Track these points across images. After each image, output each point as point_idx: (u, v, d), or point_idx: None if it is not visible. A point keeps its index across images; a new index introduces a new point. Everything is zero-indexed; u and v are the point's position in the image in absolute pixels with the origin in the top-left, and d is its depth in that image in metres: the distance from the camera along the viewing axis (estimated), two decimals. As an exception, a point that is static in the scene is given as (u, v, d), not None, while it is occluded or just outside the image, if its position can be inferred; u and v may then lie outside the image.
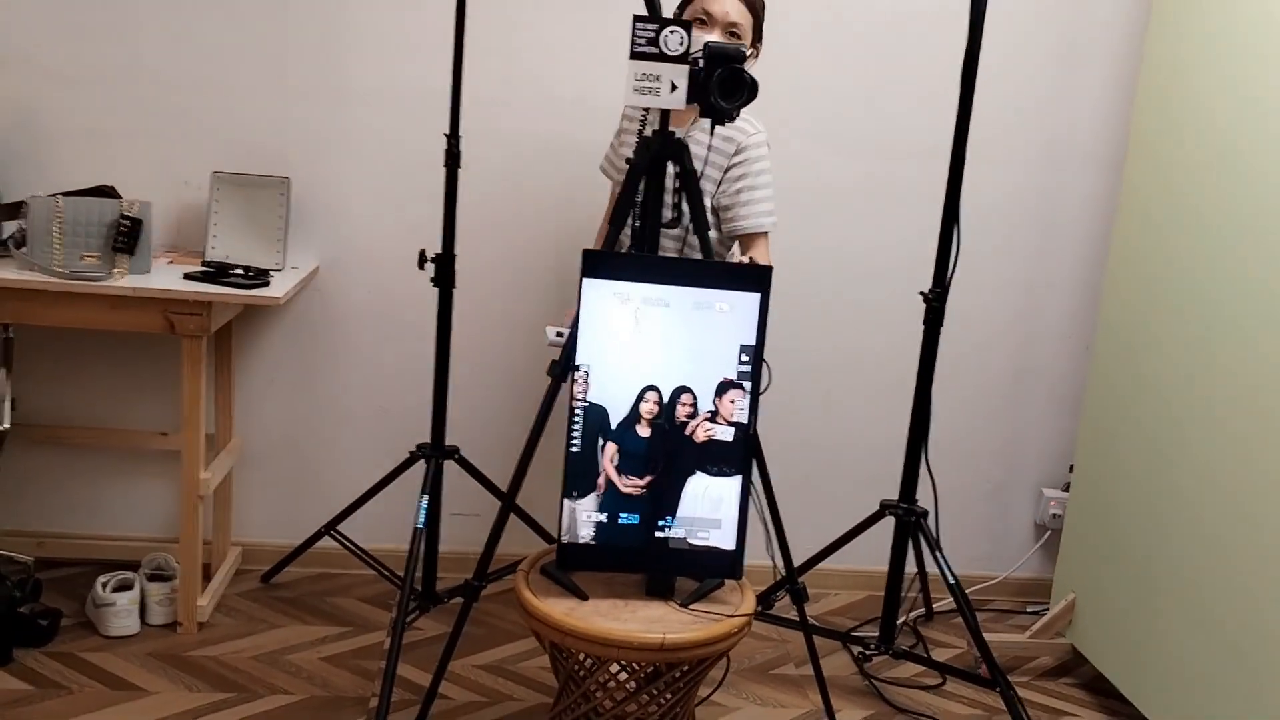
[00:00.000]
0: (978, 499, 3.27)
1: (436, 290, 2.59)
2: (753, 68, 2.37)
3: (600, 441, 2.03)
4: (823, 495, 3.14)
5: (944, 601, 3.01)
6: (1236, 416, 2.23)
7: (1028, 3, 2.98)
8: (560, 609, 2.00)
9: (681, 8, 2.39)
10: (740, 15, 2.32)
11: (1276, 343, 2.14)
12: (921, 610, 3.09)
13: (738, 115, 2.12)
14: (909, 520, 2.62)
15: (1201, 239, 2.40)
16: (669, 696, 2.08)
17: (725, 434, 2.03)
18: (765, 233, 2.41)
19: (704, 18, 2.32)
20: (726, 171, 2.38)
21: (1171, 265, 2.50)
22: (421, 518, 2.54)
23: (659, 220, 2.18)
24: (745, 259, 2.30)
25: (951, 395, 3.15)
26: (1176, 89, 2.54)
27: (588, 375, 2.01)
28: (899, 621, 2.95)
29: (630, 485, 2.04)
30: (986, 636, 2.89)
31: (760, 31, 2.39)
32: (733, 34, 2.32)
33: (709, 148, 2.35)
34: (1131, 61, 2.99)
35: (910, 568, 2.81)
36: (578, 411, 2.02)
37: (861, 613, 3.09)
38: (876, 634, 2.78)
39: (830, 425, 3.14)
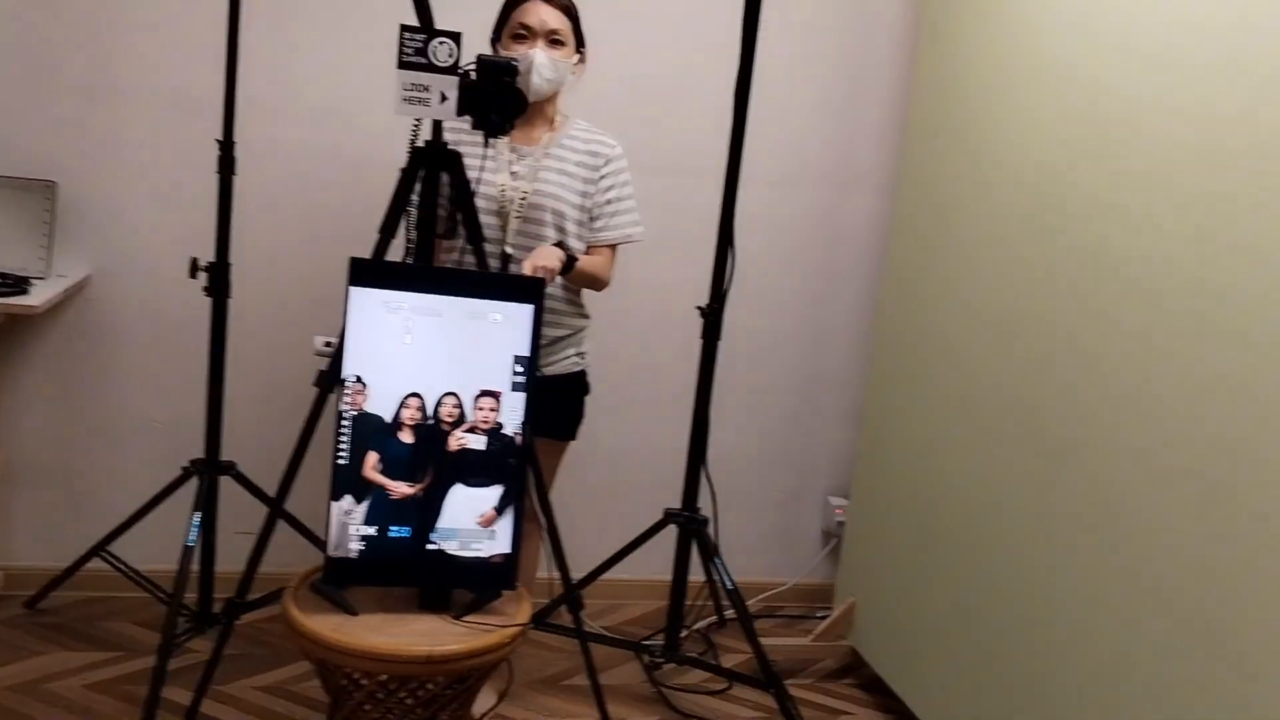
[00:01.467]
0: (768, 507, 3.37)
1: (210, 300, 2.51)
2: (582, 73, 2.42)
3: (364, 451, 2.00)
4: (616, 506, 3.17)
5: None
6: (1001, 423, 2.37)
7: (812, 40, 3.11)
8: (327, 625, 1.96)
9: (500, 25, 2.39)
10: (558, 22, 2.34)
11: (1037, 350, 2.28)
12: (714, 617, 3.15)
13: (511, 129, 2.14)
14: (690, 528, 2.67)
15: (966, 254, 2.55)
16: (448, 711, 2.06)
17: (478, 443, 2.04)
18: (616, 244, 2.47)
19: (523, 32, 2.33)
20: (598, 183, 2.42)
21: (940, 279, 2.65)
22: (193, 535, 2.45)
23: (434, 231, 2.17)
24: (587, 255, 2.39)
25: (742, 406, 3.24)
26: (942, 119, 2.69)
27: (358, 383, 1.98)
28: (689, 629, 3.02)
29: (399, 491, 2.02)
30: (774, 641, 2.99)
31: (581, 36, 2.42)
32: (555, 41, 2.34)
33: (576, 161, 2.40)
34: (904, 94, 3.15)
35: (701, 576, 2.87)
36: (345, 421, 1.99)
37: (656, 622, 3.13)
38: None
39: (623, 437, 3.19)
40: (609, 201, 2.44)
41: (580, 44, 2.41)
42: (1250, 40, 1.77)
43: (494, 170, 2.35)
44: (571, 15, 2.38)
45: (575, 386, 2.55)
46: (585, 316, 2.54)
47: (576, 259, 2.34)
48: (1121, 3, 2.09)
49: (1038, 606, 2.18)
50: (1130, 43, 2.05)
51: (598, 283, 2.47)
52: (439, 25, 2.04)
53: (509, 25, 2.36)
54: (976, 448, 2.43)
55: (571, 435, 2.57)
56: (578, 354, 2.53)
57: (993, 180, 2.45)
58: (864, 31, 3.16)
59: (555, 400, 2.47)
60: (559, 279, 2.36)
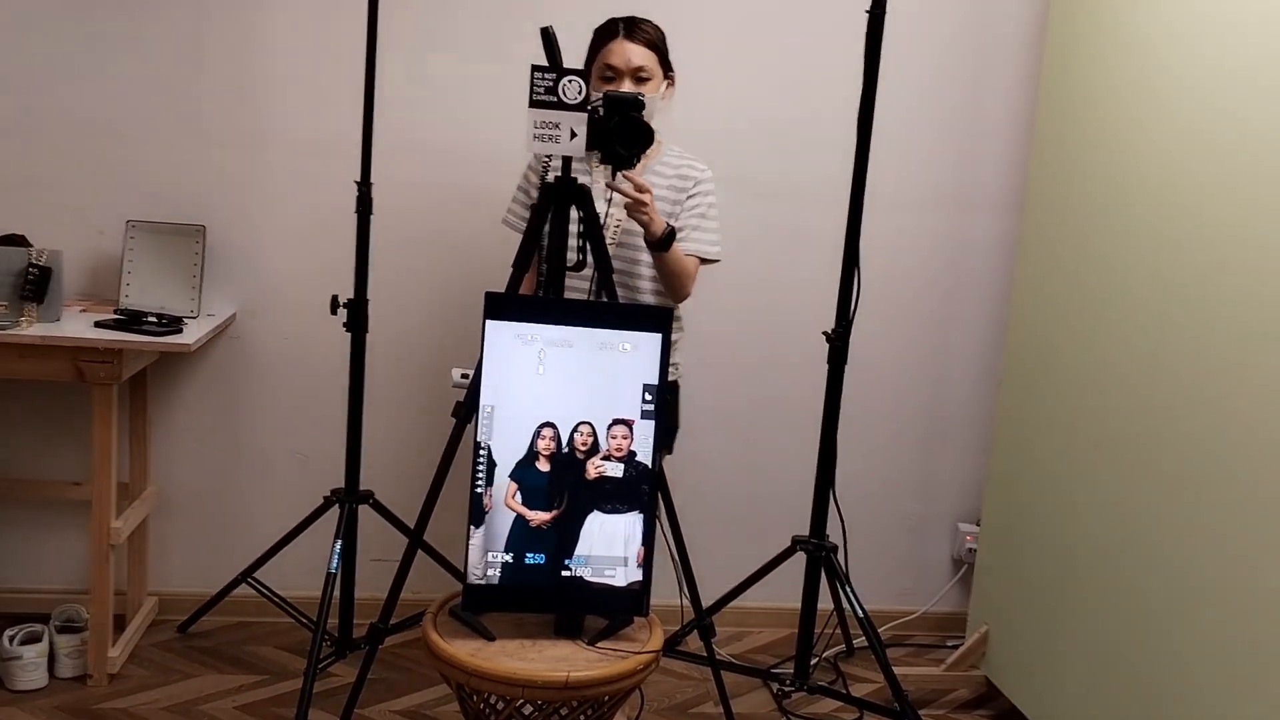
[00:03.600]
0: (896, 535, 3.33)
1: (349, 335, 2.61)
2: (671, 97, 2.45)
3: (503, 481, 2.05)
4: (744, 534, 3.17)
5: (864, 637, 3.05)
6: (1139, 449, 2.31)
7: (931, 58, 3.10)
8: (466, 650, 2.01)
9: (591, 56, 2.44)
10: (643, 58, 2.38)
11: (1175, 373, 2.22)
12: (842, 646, 3.12)
13: (638, 160, 2.18)
14: (819, 555, 2.66)
15: (1097, 278, 2.49)
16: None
17: (615, 470, 2.06)
18: (701, 260, 2.48)
19: (610, 74, 2.37)
20: (685, 203, 2.47)
21: (1071, 303, 2.59)
22: (334, 562, 2.54)
23: (564, 263, 2.22)
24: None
25: (868, 432, 3.21)
26: (1069, 137, 2.64)
27: (491, 416, 2.04)
28: (818, 657, 2.99)
29: (538, 519, 2.06)
30: (905, 670, 2.94)
31: (668, 62, 2.45)
32: (641, 78, 2.37)
33: (667, 185, 2.44)
34: (1029, 111, 3.10)
35: (828, 604, 2.85)
36: (482, 451, 2.04)
37: (784, 650, 3.12)
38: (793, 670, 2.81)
39: (749, 463, 3.19)
40: (695, 218, 2.47)
41: (667, 70, 2.45)
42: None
43: (617, 209, 2.39)
44: (656, 48, 2.42)
45: (671, 397, 2.57)
46: (680, 329, 2.56)
47: (677, 231, 2.37)
48: (1251, 21, 2.03)
49: (1177, 634, 2.10)
50: (1258, 63, 1.99)
51: (682, 282, 2.45)
52: (535, 59, 2.10)
53: (595, 67, 2.40)
54: (1111, 474, 2.36)
55: (669, 448, 2.58)
56: (674, 364, 2.56)
57: (1123, 200, 2.40)
58: (987, 50, 3.13)
59: None
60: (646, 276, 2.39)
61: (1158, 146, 2.30)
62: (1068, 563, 2.51)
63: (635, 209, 2.27)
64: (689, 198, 2.47)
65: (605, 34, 2.41)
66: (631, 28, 2.39)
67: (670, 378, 2.56)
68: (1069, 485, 2.53)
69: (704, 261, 2.49)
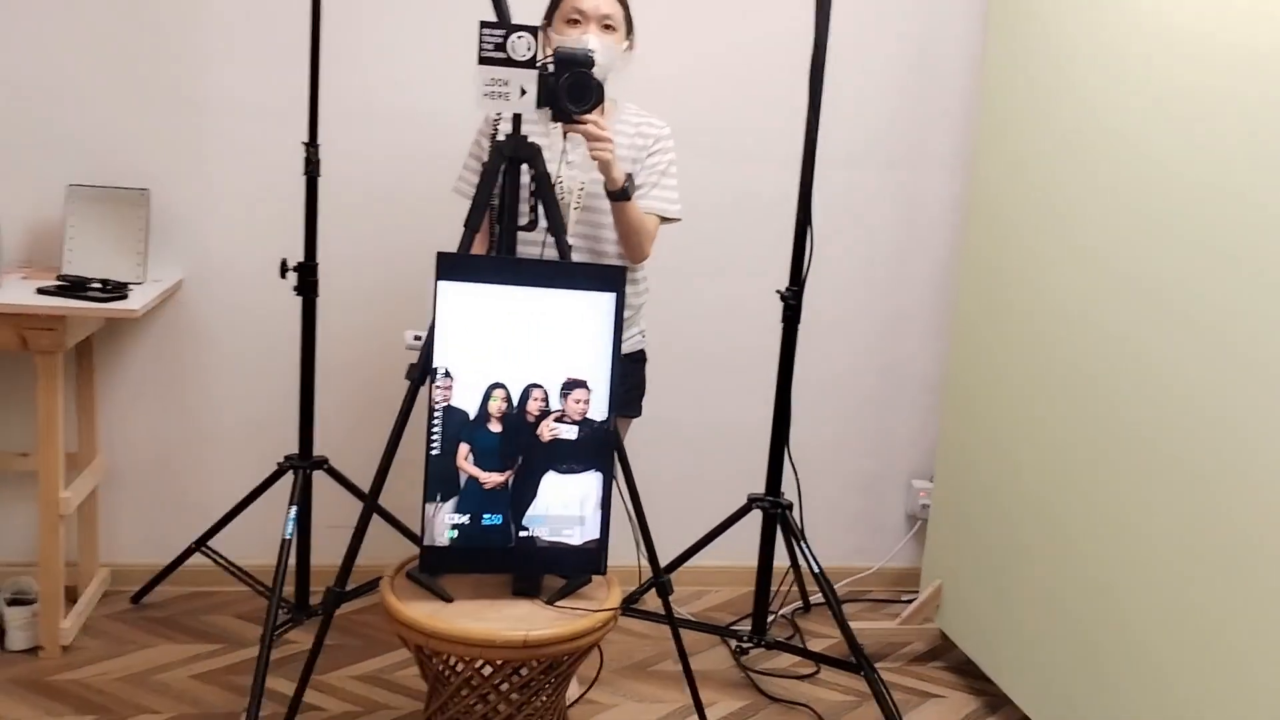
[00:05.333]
0: (851, 492, 3.36)
1: (299, 299, 2.58)
2: (630, 60, 2.41)
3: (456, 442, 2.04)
4: (700, 493, 3.19)
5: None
6: (1085, 405, 2.34)
7: (882, 22, 3.10)
8: (424, 612, 2.01)
9: (551, 8, 2.39)
10: (611, 7, 2.34)
11: (1120, 330, 2.25)
12: (799, 602, 3.16)
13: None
14: (774, 513, 2.68)
15: (1046, 233, 2.51)
16: (543, 696, 2.10)
17: (569, 433, 2.06)
18: (660, 219, 2.45)
19: (577, 16, 2.32)
20: (645, 161, 2.42)
21: (1019, 259, 2.61)
22: (289, 529, 2.52)
23: (515, 223, 2.21)
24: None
25: (822, 391, 3.24)
26: (1016, 95, 2.65)
27: (447, 377, 2.03)
28: (775, 614, 3.02)
29: (491, 480, 2.06)
30: (862, 625, 2.99)
31: (631, 24, 2.42)
32: (607, 26, 2.33)
33: (627, 144, 2.40)
34: (976, 70, 3.12)
35: (785, 561, 2.88)
36: (437, 414, 2.03)
37: (743, 607, 3.15)
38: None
39: (704, 423, 3.20)
40: (651, 174, 2.44)
41: (629, 30, 2.42)
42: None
43: (573, 168, 2.37)
44: (623, 3, 2.39)
45: (638, 363, 2.57)
46: (643, 292, 2.55)
47: (634, 186, 2.33)
48: (1206, -34, 2.04)
49: (1126, 584, 2.15)
50: (1207, 15, 2.01)
51: (640, 239, 2.40)
52: (484, 18, 2.06)
53: (561, 10, 2.35)
54: (1059, 428, 2.39)
55: (638, 411, 2.59)
56: (640, 332, 2.56)
57: (1071, 157, 2.42)
58: (935, 5, 3.13)
59: (622, 380, 2.49)
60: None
61: (1106, 99, 2.32)
62: (1018, 517, 2.55)
63: (598, 145, 2.20)
64: (649, 155, 2.44)
65: None
66: None
67: (637, 346, 2.55)
68: (1018, 441, 2.57)
69: (664, 221, 2.47)
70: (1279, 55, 1.86)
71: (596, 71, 2.27)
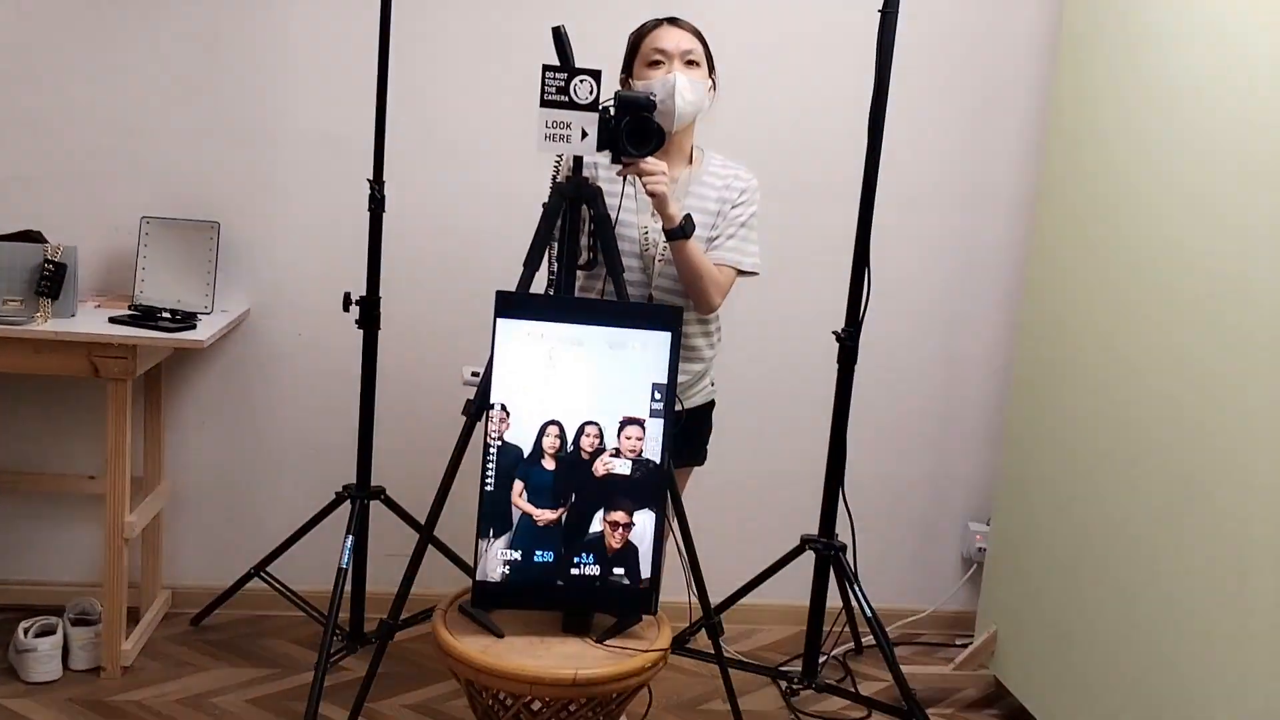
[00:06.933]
0: (906, 533, 3.33)
1: (361, 332, 2.63)
2: (714, 98, 2.40)
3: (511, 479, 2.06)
4: (753, 532, 3.17)
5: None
6: (1144, 454, 2.30)
7: (944, 58, 3.10)
8: (475, 647, 2.02)
9: (632, 51, 2.38)
10: (692, 43, 2.33)
11: (1183, 381, 2.22)
12: (851, 644, 3.13)
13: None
14: (828, 554, 2.66)
15: (1108, 281, 2.48)
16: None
17: (623, 468, 2.07)
18: (738, 271, 2.40)
19: (659, 57, 2.31)
20: (731, 211, 2.39)
21: (1081, 304, 2.58)
22: (346, 557, 2.55)
23: (575, 262, 2.23)
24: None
25: (878, 430, 3.21)
26: (1081, 136, 2.63)
27: (502, 413, 2.05)
28: (827, 655, 3.00)
29: (544, 518, 2.08)
30: (914, 669, 2.95)
31: (712, 59, 2.39)
32: (691, 63, 2.31)
33: (715, 198, 2.38)
34: (1041, 111, 3.09)
35: (837, 602, 2.86)
36: (491, 450, 2.05)
37: (793, 648, 3.12)
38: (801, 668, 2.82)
39: (759, 462, 3.19)
40: (730, 226, 2.40)
41: (712, 67, 2.40)
42: None
43: (635, 211, 2.36)
44: (701, 38, 2.37)
45: (708, 412, 2.57)
46: (716, 344, 2.54)
47: (693, 228, 2.27)
48: (1260, 21, 2.02)
49: (1186, 637, 2.10)
50: (1267, 64, 1.99)
51: (705, 287, 2.33)
52: (547, 57, 2.09)
53: (641, 54, 2.34)
54: (1121, 476, 2.35)
55: (704, 459, 2.59)
56: (711, 383, 2.55)
57: (1134, 201, 2.39)
58: (1000, 47, 3.12)
59: (692, 429, 2.50)
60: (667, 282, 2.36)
61: (1170, 147, 2.29)
62: (1076, 563, 2.51)
63: (653, 179, 2.17)
64: (732, 207, 2.40)
65: (647, 26, 2.37)
66: (675, 19, 2.36)
67: (709, 397, 2.55)
68: (1078, 486, 2.53)
69: (740, 274, 2.41)
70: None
71: (688, 110, 2.29)
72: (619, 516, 2.09)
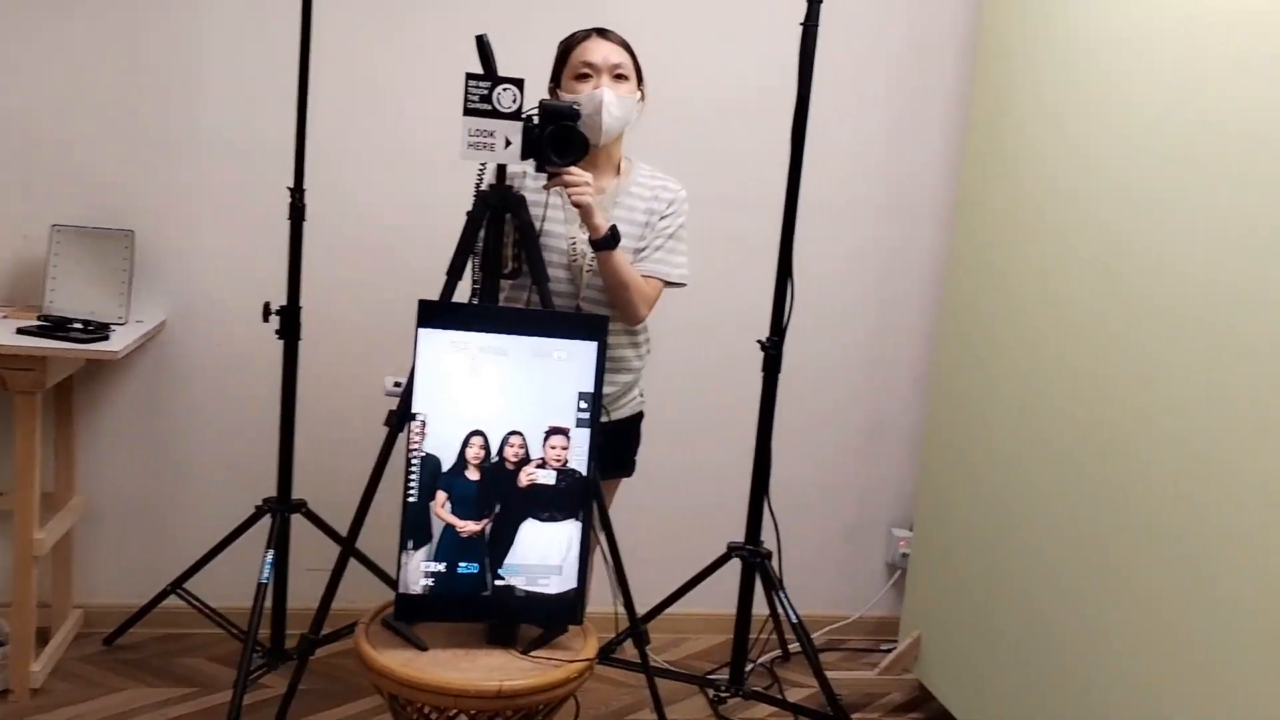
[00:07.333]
0: (831, 539, 3.36)
1: (282, 342, 2.58)
2: (642, 110, 2.39)
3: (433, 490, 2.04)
4: (679, 541, 3.18)
5: (798, 642, 3.08)
6: (1063, 454, 2.36)
7: (866, 69, 3.15)
8: (398, 660, 2.00)
9: (560, 62, 2.37)
10: (620, 56, 2.32)
11: (1099, 380, 2.27)
12: (779, 651, 3.14)
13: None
14: (753, 562, 2.68)
15: (1025, 286, 2.54)
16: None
17: (548, 478, 2.06)
18: (665, 282, 2.40)
19: (587, 71, 2.30)
20: (661, 219, 2.39)
21: (997, 310, 2.64)
22: (266, 572, 2.50)
23: (499, 271, 2.22)
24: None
25: (803, 437, 3.24)
26: (999, 147, 2.69)
27: (424, 425, 2.03)
28: (754, 663, 3.01)
29: (468, 528, 2.05)
30: (840, 674, 2.98)
31: (640, 72, 2.38)
32: (619, 76, 2.31)
33: (644, 209, 2.37)
34: (962, 119, 3.16)
35: (765, 609, 2.87)
36: (414, 461, 2.03)
37: (722, 656, 3.13)
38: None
39: (684, 471, 3.20)
40: (670, 237, 2.41)
41: (640, 79, 2.40)
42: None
43: (563, 222, 2.35)
44: (630, 50, 2.36)
45: (636, 424, 2.57)
46: (645, 355, 2.54)
47: (618, 239, 2.26)
48: (1178, 26, 2.08)
49: (1108, 637, 2.15)
50: (1189, 67, 2.05)
51: (630, 296, 2.32)
52: (471, 64, 2.08)
53: (570, 66, 2.33)
54: (1039, 478, 2.41)
55: (632, 470, 2.59)
56: (640, 394, 2.55)
57: (1051, 208, 2.45)
58: (921, 57, 3.18)
59: (620, 441, 2.49)
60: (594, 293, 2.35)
61: (1084, 156, 2.35)
62: (998, 567, 2.56)
63: (577, 189, 2.17)
64: (660, 218, 2.39)
65: (576, 38, 2.36)
66: (604, 31, 2.35)
67: (638, 409, 2.54)
68: (998, 491, 2.58)
69: (668, 285, 2.41)
70: (1267, 99, 1.90)
71: (615, 125, 2.29)
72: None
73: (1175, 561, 1.99)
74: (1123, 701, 2.10)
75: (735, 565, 2.74)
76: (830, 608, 3.35)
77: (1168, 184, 2.08)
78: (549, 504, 2.07)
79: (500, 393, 2.06)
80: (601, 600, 2.44)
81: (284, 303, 2.58)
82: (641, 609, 2.53)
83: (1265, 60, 1.87)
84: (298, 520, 2.72)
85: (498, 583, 2.08)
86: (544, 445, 2.07)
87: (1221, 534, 1.89)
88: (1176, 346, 2.02)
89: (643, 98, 2.40)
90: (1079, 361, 2.30)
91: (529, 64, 2.39)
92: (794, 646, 3.14)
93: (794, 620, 2.60)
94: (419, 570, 2.05)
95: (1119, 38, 2.25)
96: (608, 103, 2.26)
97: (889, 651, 3.03)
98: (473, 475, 2.05)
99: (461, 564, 2.07)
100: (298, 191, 2.54)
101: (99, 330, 2.54)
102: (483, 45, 2.12)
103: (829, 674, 2.67)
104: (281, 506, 2.64)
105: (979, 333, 2.72)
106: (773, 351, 2.60)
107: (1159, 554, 2.03)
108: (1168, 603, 2.00)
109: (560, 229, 2.35)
